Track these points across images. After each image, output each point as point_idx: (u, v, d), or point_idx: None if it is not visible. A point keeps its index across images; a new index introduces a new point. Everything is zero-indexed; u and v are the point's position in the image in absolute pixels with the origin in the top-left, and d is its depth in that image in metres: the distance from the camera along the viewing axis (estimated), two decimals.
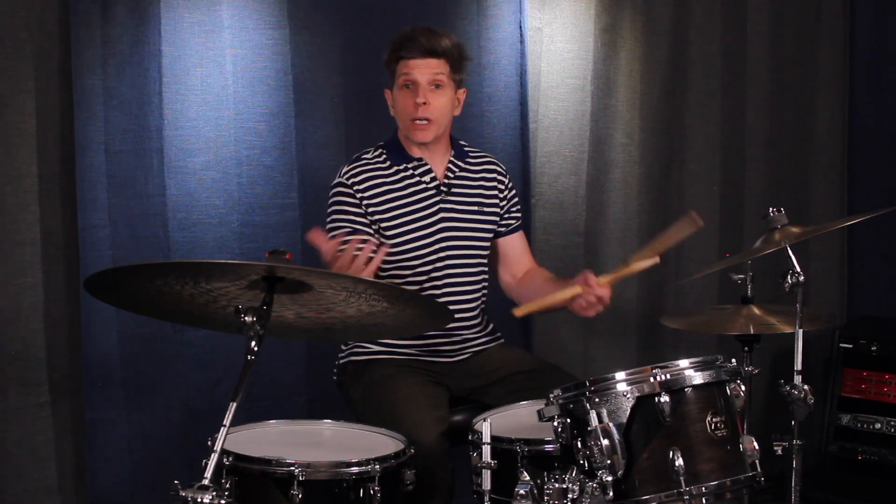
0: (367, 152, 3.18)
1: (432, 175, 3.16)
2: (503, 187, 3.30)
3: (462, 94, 3.18)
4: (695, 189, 4.30)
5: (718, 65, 4.29)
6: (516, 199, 3.35)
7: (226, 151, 3.50)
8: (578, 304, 2.96)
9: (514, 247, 3.34)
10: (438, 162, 3.19)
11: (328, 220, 3.11)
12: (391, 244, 3.06)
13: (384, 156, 3.16)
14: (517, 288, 3.32)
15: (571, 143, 4.05)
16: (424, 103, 3.06)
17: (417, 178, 3.15)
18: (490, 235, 3.27)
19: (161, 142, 3.41)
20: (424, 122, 3.08)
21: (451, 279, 3.15)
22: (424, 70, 3.06)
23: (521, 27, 3.95)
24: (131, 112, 3.39)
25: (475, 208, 3.22)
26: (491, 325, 3.28)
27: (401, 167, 3.15)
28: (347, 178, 3.11)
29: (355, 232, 3.04)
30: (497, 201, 3.27)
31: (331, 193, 3.13)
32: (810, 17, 4.51)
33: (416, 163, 3.16)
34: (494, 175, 3.29)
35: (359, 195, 3.09)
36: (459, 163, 3.23)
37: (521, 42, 3.95)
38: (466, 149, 3.28)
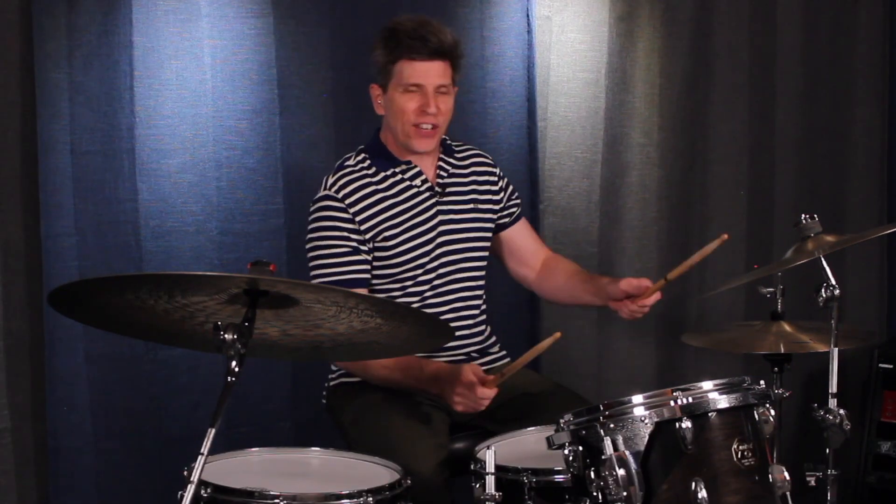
0: (349, 158, 3.18)
1: (423, 178, 3.18)
2: (496, 178, 3.33)
3: (455, 92, 3.19)
4: (719, 193, 4.31)
5: (745, 57, 4.30)
6: (512, 187, 3.38)
7: (204, 152, 3.49)
8: (625, 310, 3.10)
9: (523, 235, 3.38)
10: (428, 163, 3.20)
11: (314, 236, 3.09)
12: (393, 254, 3.09)
13: (368, 161, 3.16)
14: (538, 282, 3.37)
15: (584, 144, 4.06)
16: (436, 113, 3.07)
17: (408, 183, 3.16)
18: (489, 235, 3.29)
19: (132, 142, 3.39)
20: (430, 128, 3.09)
21: (453, 286, 3.17)
22: (432, 74, 3.05)
23: (528, 16, 3.95)
24: (100, 109, 3.37)
25: (471, 206, 3.24)
26: (494, 339, 3.30)
27: (388, 173, 3.15)
28: (336, 191, 3.09)
29: (352, 251, 3.06)
30: (492, 196, 3.29)
31: (316, 208, 3.11)
32: (847, 2, 4.52)
33: (404, 166, 3.16)
34: (485, 168, 3.32)
35: (351, 209, 3.09)
36: (450, 160, 3.24)
37: (529, 32, 3.95)
38: (449, 142, 3.29)
